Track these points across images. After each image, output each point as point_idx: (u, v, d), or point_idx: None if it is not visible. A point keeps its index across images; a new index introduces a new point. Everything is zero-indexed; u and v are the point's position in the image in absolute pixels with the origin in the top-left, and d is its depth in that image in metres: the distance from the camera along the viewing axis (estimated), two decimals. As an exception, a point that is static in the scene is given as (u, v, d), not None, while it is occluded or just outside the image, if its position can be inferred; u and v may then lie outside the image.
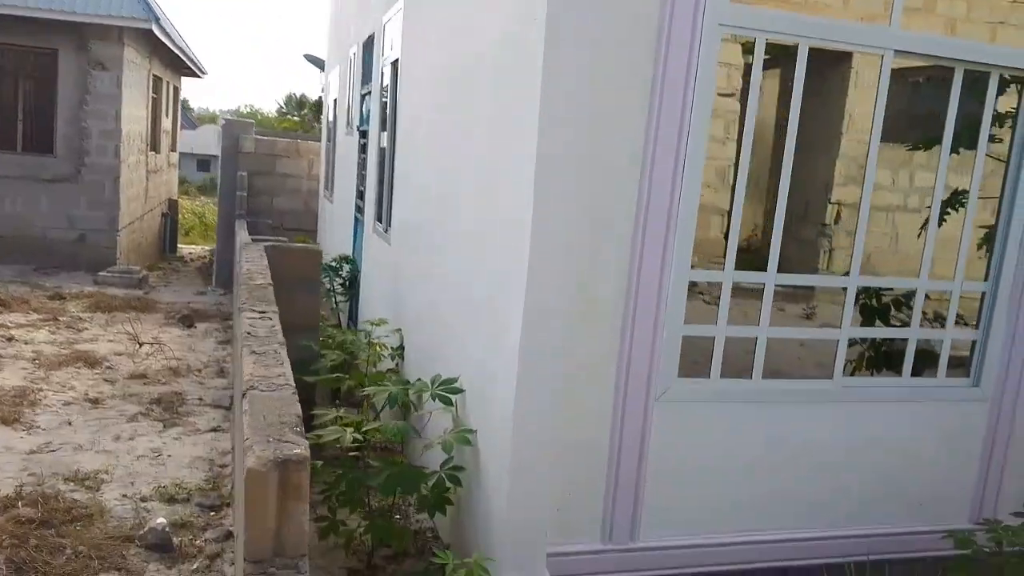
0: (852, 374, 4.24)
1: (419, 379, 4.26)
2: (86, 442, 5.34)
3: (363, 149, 8.35)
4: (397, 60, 6.37)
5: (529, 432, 3.38)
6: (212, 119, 69.56)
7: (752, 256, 4.34)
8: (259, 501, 2.14)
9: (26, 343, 7.83)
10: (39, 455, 5.01)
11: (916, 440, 4.16)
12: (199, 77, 20.80)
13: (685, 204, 3.58)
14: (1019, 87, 4.06)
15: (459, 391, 4.02)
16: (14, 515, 3.91)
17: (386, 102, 6.89)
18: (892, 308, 4.54)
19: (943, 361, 4.21)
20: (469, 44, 4.33)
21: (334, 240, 10.42)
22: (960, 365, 4.26)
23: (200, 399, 6.74)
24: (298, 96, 62.59)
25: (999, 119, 4.06)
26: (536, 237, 3.25)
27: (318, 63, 19.59)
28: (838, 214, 6.98)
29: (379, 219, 7.11)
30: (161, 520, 3.97)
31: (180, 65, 18.34)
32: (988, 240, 4.18)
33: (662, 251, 3.58)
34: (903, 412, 4.13)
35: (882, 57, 3.76)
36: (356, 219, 8.72)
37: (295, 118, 53.39)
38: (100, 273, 12.31)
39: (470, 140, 4.26)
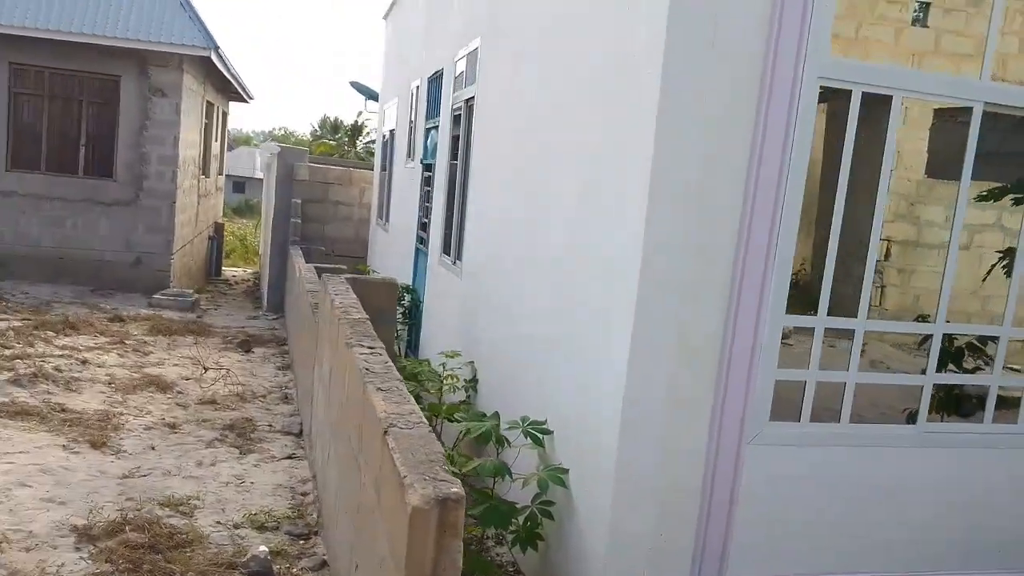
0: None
1: (495, 412, 4.37)
2: (172, 467, 5.51)
3: (427, 182, 8.55)
4: (472, 97, 6.55)
5: (631, 472, 3.48)
6: (246, 140, 70.82)
7: (800, 292, 4.41)
8: (419, 538, 2.26)
9: (99, 366, 8.07)
10: (132, 479, 5.18)
11: (994, 485, 4.20)
12: (246, 102, 21.30)
13: (782, 250, 3.68)
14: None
15: (548, 432, 4.13)
16: (124, 539, 4.06)
17: (458, 136, 7.07)
18: (965, 352, 4.59)
19: (1023, 408, 4.25)
20: (564, 83, 4.48)
21: (387, 268, 10.61)
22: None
23: (270, 426, 6.90)
24: (332, 120, 63.76)
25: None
26: (644, 275, 3.38)
27: (364, 91, 20.00)
28: (888, 251, 7.04)
29: (446, 252, 7.28)
30: (263, 548, 4.11)
31: (230, 90, 18.80)
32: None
33: (759, 295, 3.68)
34: (982, 457, 4.17)
35: (971, 109, 3.86)
36: (417, 249, 8.90)
37: (331, 141, 54.35)
38: (155, 296, 12.61)
39: (562, 175, 4.40)
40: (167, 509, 4.70)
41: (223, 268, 20.88)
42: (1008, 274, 4.21)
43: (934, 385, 4.49)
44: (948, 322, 4.09)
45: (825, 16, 3.55)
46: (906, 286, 6.54)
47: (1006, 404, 4.25)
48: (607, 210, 3.75)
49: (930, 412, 4.35)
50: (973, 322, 4.98)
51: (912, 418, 4.13)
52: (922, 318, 4.44)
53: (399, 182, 10.53)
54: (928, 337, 4.14)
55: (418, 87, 9.41)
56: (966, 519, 4.17)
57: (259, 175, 48.48)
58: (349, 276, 6.11)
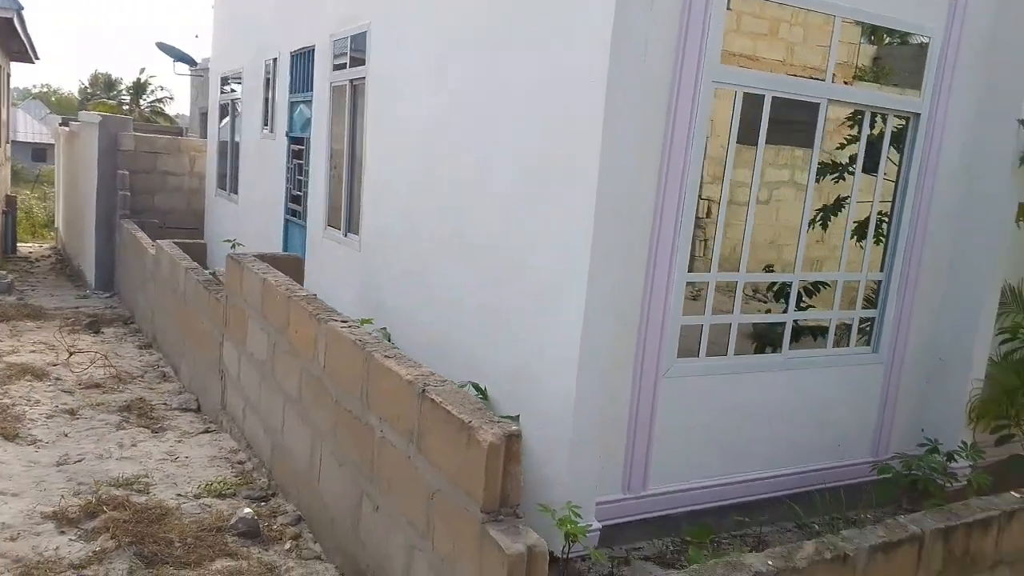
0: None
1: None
2: (99, 451, 5.54)
3: (297, 155, 8.71)
4: (362, 77, 6.90)
5: (584, 412, 4.23)
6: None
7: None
8: (494, 467, 2.86)
9: (-47, 358, 7.60)
10: (69, 466, 5.20)
11: (836, 395, 5.41)
12: (32, 63, 19.46)
13: (686, 218, 4.55)
14: (904, 121, 5.35)
15: (482, 389, 4.77)
16: (109, 518, 4.23)
17: (343, 113, 7.37)
18: (803, 294, 5.77)
19: (853, 335, 5.48)
20: (499, 88, 5.04)
21: (243, 240, 10.55)
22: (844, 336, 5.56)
23: (165, 404, 6.95)
24: (105, 76, 58.34)
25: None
26: (595, 248, 4.10)
27: (173, 52, 19.01)
28: (708, 210, 8.27)
29: (333, 225, 7.60)
30: (248, 510, 4.44)
31: (14, 49, 17.15)
32: (859, 232, 5.40)
33: (669, 258, 4.54)
34: (827, 374, 5.35)
35: (819, 104, 4.91)
36: (288, 221, 9.06)
37: (109, 101, 49.92)
38: (-37, 280, 11.64)
39: (499, 168, 5.00)
40: (124, 489, 4.83)
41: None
42: (824, 226, 5.31)
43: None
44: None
45: (717, 38, 4.41)
46: (724, 239, 7.80)
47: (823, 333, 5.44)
48: (555, 196, 4.41)
49: (774, 344, 5.43)
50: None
51: (775, 349, 5.22)
52: (769, 268, 5.48)
53: (252, 153, 10.48)
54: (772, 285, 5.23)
55: (275, 60, 9.44)
56: (818, 423, 5.33)
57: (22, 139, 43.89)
58: (261, 254, 6.31)
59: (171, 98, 53.14)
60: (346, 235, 7.33)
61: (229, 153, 11.76)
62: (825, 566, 3.52)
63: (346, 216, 7.35)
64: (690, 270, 4.70)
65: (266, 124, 9.86)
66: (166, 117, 50.64)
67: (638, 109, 4.19)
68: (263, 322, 5.34)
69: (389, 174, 6.50)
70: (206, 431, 6.27)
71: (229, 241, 8.99)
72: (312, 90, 8.31)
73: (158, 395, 7.26)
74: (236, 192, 11.28)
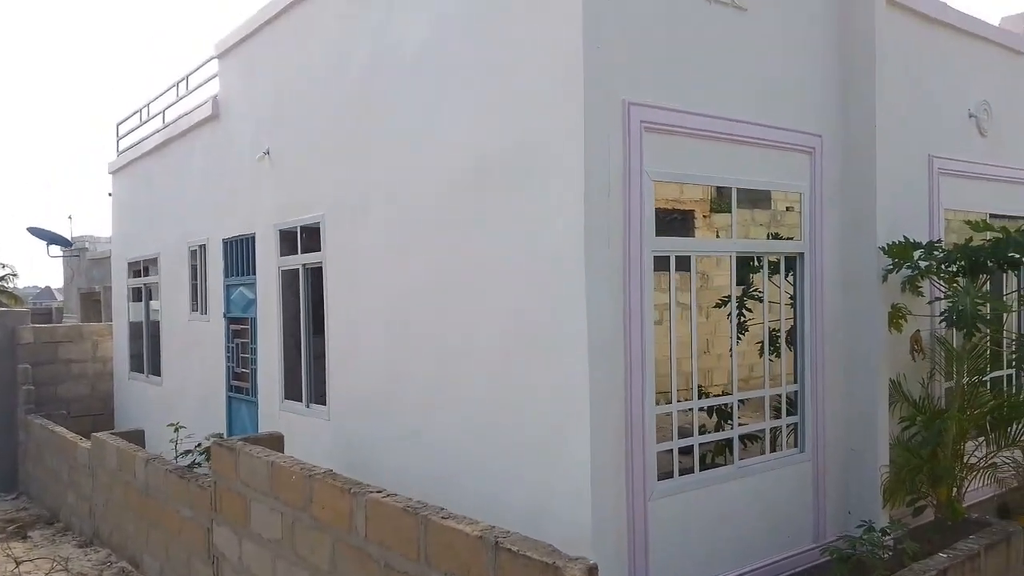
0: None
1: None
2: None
3: (239, 334, 9.13)
4: (319, 263, 7.59)
5: (599, 539, 4.92)
6: None
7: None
8: (585, 596, 3.51)
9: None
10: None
11: (779, 493, 6.34)
12: None
13: (648, 363, 5.47)
14: (788, 265, 6.60)
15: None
16: None
17: (297, 294, 7.98)
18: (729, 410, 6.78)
19: (784, 439, 6.51)
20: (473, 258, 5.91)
21: (172, 420, 10.62)
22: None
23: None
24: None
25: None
26: (593, 393, 4.92)
27: (47, 236, 18.86)
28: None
29: (293, 398, 8.05)
30: None
31: None
32: (774, 351, 6.54)
33: (642, 395, 5.41)
34: (770, 476, 6.30)
35: (730, 256, 6.08)
36: (231, 398, 9.34)
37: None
38: None
39: (479, 323, 5.79)
40: None
41: None
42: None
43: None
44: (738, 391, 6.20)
45: (650, 220, 5.51)
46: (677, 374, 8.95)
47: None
48: (547, 356, 5.24)
49: (716, 456, 6.31)
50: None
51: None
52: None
53: (179, 335, 10.73)
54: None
55: (202, 247, 9.94)
56: (768, 518, 6.21)
57: None
58: (240, 437, 6.67)
59: (15, 275, 50.69)
60: (309, 406, 7.79)
61: (145, 335, 11.88)
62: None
63: (308, 388, 7.82)
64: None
65: (196, 307, 10.21)
66: (8, 295, 48.14)
67: (606, 279, 5.16)
68: (274, 502, 5.71)
69: (359, 346, 7.12)
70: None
71: (172, 425, 9.10)
72: (253, 274, 8.86)
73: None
74: (158, 374, 11.37)
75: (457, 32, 6.13)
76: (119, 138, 13.86)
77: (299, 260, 7.99)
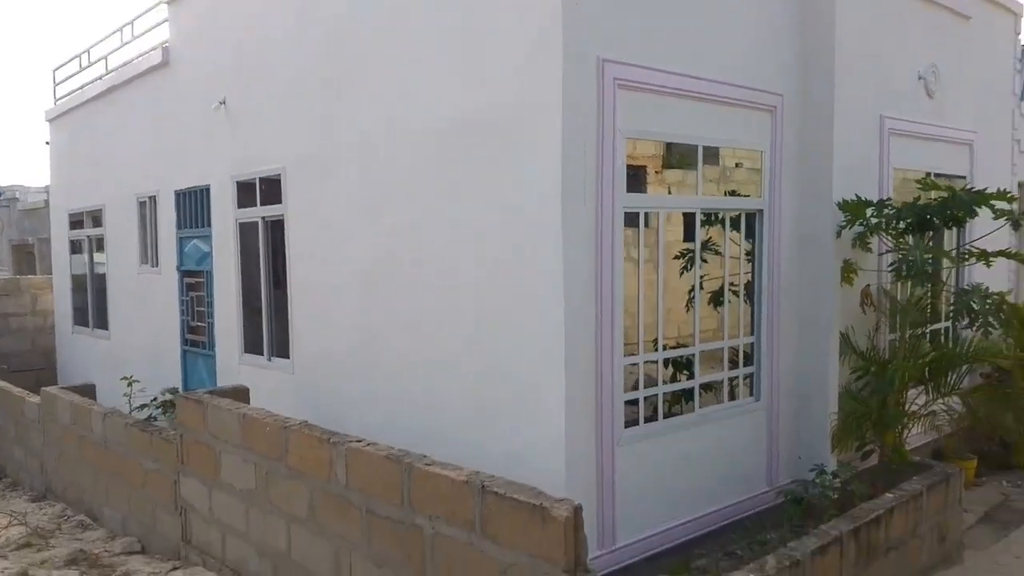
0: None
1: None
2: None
3: (193, 287, 8.99)
4: (280, 215, 7.50)
5: (572, 485, 5.10)
6: None
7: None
8: (569, 537, 3.66)
9: None
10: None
11: (736, 439, 6.63)
12: None
13: (617, 314, 5.62)
14: (749, 222, 6.80)
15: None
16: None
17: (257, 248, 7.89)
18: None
19: (742, 388, 6.78)
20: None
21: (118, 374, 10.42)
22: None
23: (107, 551, 6.94)
24: None
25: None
26: (568, 349, 5.05)
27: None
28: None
29: (254, 351, 7.99)
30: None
31: None
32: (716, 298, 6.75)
33: (611, 346, 5.57)
34: (728, 424, 6.57)
35: (695, 213, 6.24)
36: (185, 352, 9.22)
37: None
38: None
39: (462, 279, 5.85)
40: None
41: None
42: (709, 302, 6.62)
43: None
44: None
45: (621, 177, 5.61)
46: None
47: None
48: (527, 311, 5.35)
49: (673, 406, 6.54)
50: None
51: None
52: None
53: (128, 289, 10.49)
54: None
55: (152, 198, 9.69)
56: (727, 463, 6.50)
57: None
58: (205, 390, 6.64)
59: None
60: (270, 359, 7.76)
61: (90, 288, 11.58)
62: (786, 570, 4.61)
63: (270, 342, 7.78)
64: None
65: (146, 259, 9.98)
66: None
67: (580, 235, 5.27)
68: (247, 454, 5.73)
69: (326, 302, 7.11)
70: (174, 568, 6.40)
71: (125, 379, 8.96)
72: (208, 226, 8.70)
73: (92, 544, 7.19)
74: (105, 328, 11.12)
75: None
76: (56, 84, 13.29)
77: (258, 212, 7.88)
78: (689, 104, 6.08)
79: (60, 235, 12.60)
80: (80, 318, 11.94)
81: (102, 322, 11.21)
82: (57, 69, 13.33)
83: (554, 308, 5.23)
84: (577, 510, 3.74)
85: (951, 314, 8.14)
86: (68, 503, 8.33)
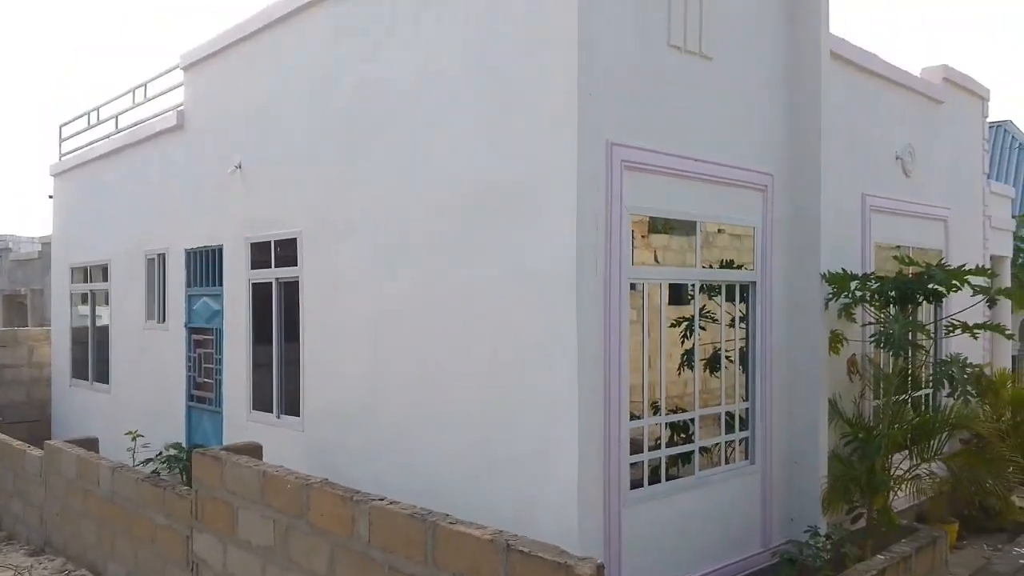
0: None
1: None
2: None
3: (201, 344, 9.21)
4: (296, 277, 7.81)
5: (585, 543, 5.36)
6: None
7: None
8: (596, 592, 3.93)
9: None
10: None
11: (733, 501, 6.92)
12: None
13: (623, 380, 5.95)
14: (743, 292, 7.21)
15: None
16: None
17: (267, 306, 8.17)
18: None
19: (738, 451, 7.10)
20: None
21: (119, 428, 10.53)
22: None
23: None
24: None
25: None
26: (581, 407, 5.37)
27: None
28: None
29: (261, 408, 8.21)
30: None
31: None
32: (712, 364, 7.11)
33: (619, 410, 5.88)
34: (725, 486, 6.87)
35: (690, 284, 6.64)
36: (191, 408, 9.39)
37: None
38: None
39: (470, 339, 6.16)
40: None
41: None
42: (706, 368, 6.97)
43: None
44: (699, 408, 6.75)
45: (627, 253, 6.01)
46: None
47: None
48: (538, 372, 5.67)
49: (670, 468, 6.81)
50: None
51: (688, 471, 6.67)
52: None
53: (132, 343, 10.67)
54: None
55: (161, 256, 9.96)
56: (723, 524, 6.77)
57: None
58: (222, 447, 6.84)
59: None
60: (280, 417, 7.98)
61: (91, 342, 11.73)
62: (789, 630, 4.86)
63: (280, 399, 8.02)
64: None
65: (152, 315, 10.20)
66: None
67: (592, 303, 5.63)
68: (265, 510, 5.92)
69: (339, 360, 7.38)
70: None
71: (130, 433, 9.09)
72: (219, 284, 8.98)
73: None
74: (105, 381, 11.25)
75: (452, 70, 6.50)
76: (62, 140, 13.62)
77: (272, 274, 8.18)
78: (687, 183, 6.52)
79: (61, 288, 12.78)
80: (79, 371, 12.05)
81: (102, 375, 11.35)
82: (64, 125, 13.67)
83: (567, 369, 5.55)
84: (600, 568, 4.00)
85: (932, 383, 8.55)
86: (69, 557, 8.38)
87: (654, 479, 6.32)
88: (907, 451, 7.55)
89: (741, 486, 7.00)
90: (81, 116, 13.04)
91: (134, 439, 8.98)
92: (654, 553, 6.17)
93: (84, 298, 12.19)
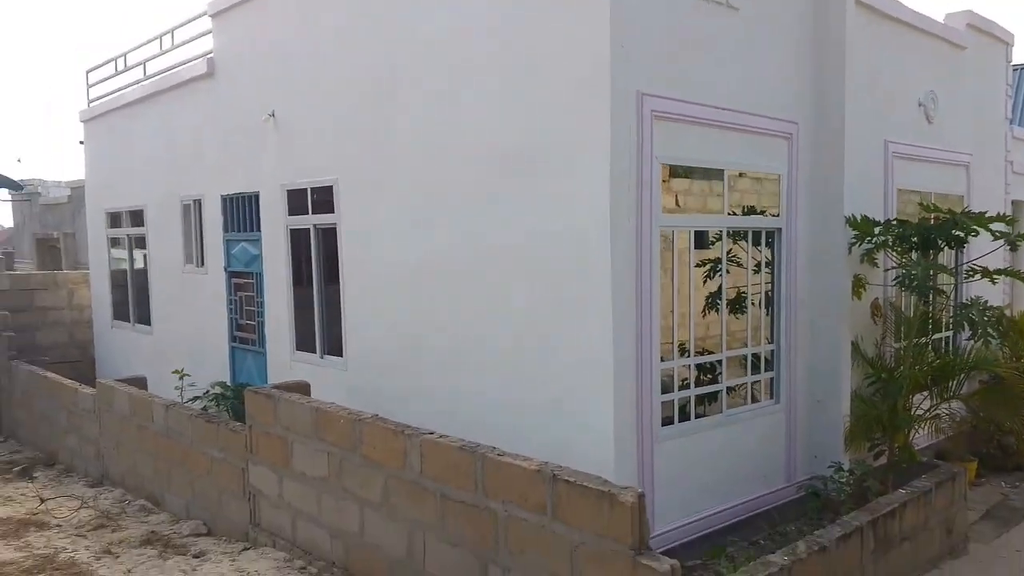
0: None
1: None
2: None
3: (242, 288, 9.56)
4: (333, 224, 8.09)
5: (620, 475, 5.72)
6: None
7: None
8: (635, 519, 4.28)
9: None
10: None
11: (758, 438, 7.26)
12: None
13: (654, 323, 6.24)
14: (768, 238, 7.43)
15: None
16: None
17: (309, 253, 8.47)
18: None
19: (764, 390, 7.41)
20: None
21: (165, 369, 10.97)
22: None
23: (177, 533, 7.51)
24: None
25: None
26: (616, 351, 5.67)
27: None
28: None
29: (306, 349, 8.58)
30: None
31: None
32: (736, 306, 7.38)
33: (650, 351, 6.19)
34: (751, 423, 7.20)
35: (720, 231, 6.87)
36: (234, 348, 9.79)
37: None
38: None
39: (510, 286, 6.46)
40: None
41: None
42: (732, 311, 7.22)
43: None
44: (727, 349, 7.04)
45: (658, 200, 6.23)
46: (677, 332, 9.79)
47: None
48: (576, 320, 5.97)
49: (697, 407, 7.14)
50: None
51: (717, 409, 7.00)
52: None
53: (171, 286, 11.03)
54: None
55: (197, 202, 10.24)
56: (749, 460, 7.13)
57: None
58: (273, 384, 7.22)
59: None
60: (323, 357, 8.34)
61: (131, 285, 12.10)
62: (814, 555, 5.24)
63: (323, 340, 8.36)
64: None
65: (191, 259, 10.52)
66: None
67: (625, 251, 5.89)
68: (319, 444, 6.30)
69: (379, 304, 7.70)
70: (245, 548, 6.97)
71: (177, 372, 9.50)
72: (257, 230, 9.26)
73: (159, 526, 7.75)
74: (147, 323, 11.65)
75: (486, 20, 6.64)
76: (89, 86, 13.77)
77: (310, 220, 8.45)
78: (715, 132, 6.69)
79: (97, 232, 13.10)
80: (120, 313, 12.46)
81: (144, 317, 11.74)
82: (91, 71, 13.81)
83: (603, 316, 5.84)
84: (641, 496, 4.35)
85: (952, 325, 8.79)
86: (127, 489, 8.88)
87: (683, 417, 6.65)
88: (927, 391, 7.83)
89: (766, 424, 7.34)
90: (108, 62, 13.16)
91: (181, 378, 9.40)
92: (684, 485, 6.53)
93: (118, 242, 12.52)
